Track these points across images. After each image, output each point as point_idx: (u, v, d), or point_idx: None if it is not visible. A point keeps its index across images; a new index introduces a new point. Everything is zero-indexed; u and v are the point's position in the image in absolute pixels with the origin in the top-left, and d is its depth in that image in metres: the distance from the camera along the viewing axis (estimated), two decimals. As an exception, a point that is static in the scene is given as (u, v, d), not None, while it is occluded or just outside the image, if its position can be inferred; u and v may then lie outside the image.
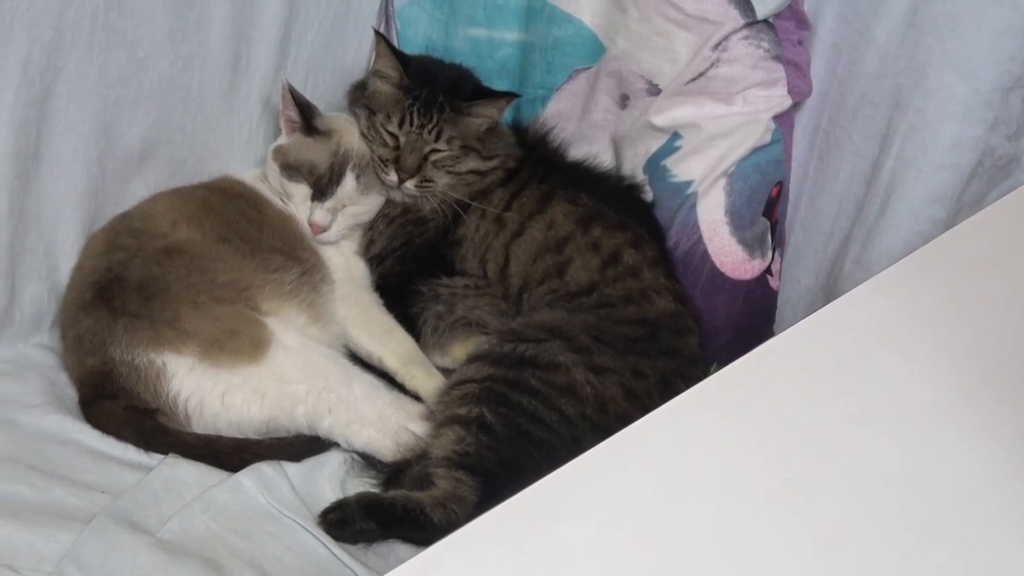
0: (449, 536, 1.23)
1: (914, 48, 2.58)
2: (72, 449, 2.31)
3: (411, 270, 2.77)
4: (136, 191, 2.71)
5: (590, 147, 3.02)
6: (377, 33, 2.86)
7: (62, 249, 2.58)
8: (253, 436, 2.42)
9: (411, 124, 2.69)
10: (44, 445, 2.30)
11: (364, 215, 2.80)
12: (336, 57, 3.06)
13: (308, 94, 2.83)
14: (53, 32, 2.36)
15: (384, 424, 2.42)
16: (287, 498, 2.25)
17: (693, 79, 2.80)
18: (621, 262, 2.61)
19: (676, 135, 2.82)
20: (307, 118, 2.74)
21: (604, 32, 2.95)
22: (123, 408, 2.36)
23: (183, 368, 2.36)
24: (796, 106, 2.84)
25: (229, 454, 2.33)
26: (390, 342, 2.68)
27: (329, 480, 2.34)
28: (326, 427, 2.41)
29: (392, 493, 2.27)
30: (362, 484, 2.37)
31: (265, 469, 2.28)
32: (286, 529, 2.19)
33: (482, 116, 2.74)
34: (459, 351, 2.68)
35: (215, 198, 2.73)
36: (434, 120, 2.69)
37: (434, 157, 2.70)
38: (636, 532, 1.27)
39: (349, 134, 2.78)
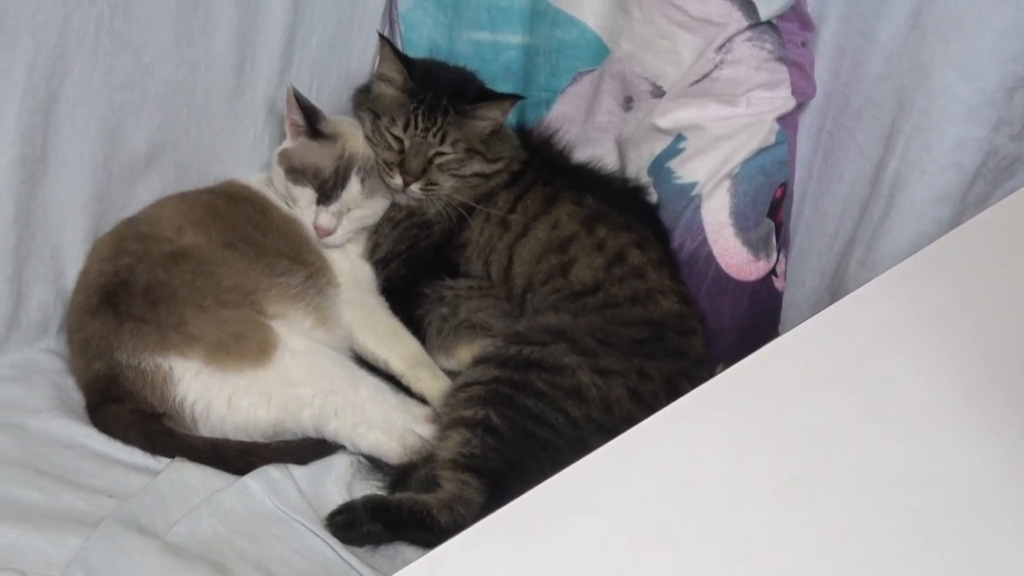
0: (455, 537, 1.23)
1: (918, 49, 2.58)
2: (79, 453, 2.31)
3: (416, 273, 2.77)
4: (142, 195, 2.71)
5: (594, 149, 3.02)
6: (381, 37, 2.87)
7: (68, 253, 2.59)
8: (260, 439, 2.42)
9: (415, 127, 2.69)
10: (51, 449, 2.30)
11: (369, 218, 2.80)
12: (340, 61, 3.07)
13: (313, 98, 2.83)
14: (58, 37, 2.36)
15: (390, 427, 2.42)
16: (294, 501, 2.24)
17: (697, 81, 2.80)
18: (627, 262, 2.61)
19: (680, 137, 2.82)
20: (312, 122, 2.74)
21: (608, 34, 2.95)
22: (130, 412, 2.36)
23: (189, 372, 2.36)
24: (800, 107, 2.84)
25: (236, 457, 2.33)
26: (396, 345, 2.68)
27: (336, 483, 2.34)
28: (332, 430, 2.41)
29: (399, 495, 2.27)
30: (369, 487, 2.36)
31: (272, 472, 2.27)
32: (293, 532, 2.19)
33: (486, 119, 2.75)
34: (464, 353, 2.68)
35: (221, 202, 2.73)
36: (438, 123, 2.69)
37: (439, 160, 2.70)
38: (642, 532, 1.27)
39: (354, 138, 2.78)
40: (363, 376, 2.52)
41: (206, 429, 2.39)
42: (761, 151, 2.75)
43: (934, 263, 1.84)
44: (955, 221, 2.58)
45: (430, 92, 2.71)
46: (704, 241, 2.76)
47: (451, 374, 2.64)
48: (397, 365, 2.65)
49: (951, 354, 1.60)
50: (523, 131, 2.93)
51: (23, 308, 2.54)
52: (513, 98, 2.81)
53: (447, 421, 2.36)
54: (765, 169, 2.77)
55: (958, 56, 2.51)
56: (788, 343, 1.66)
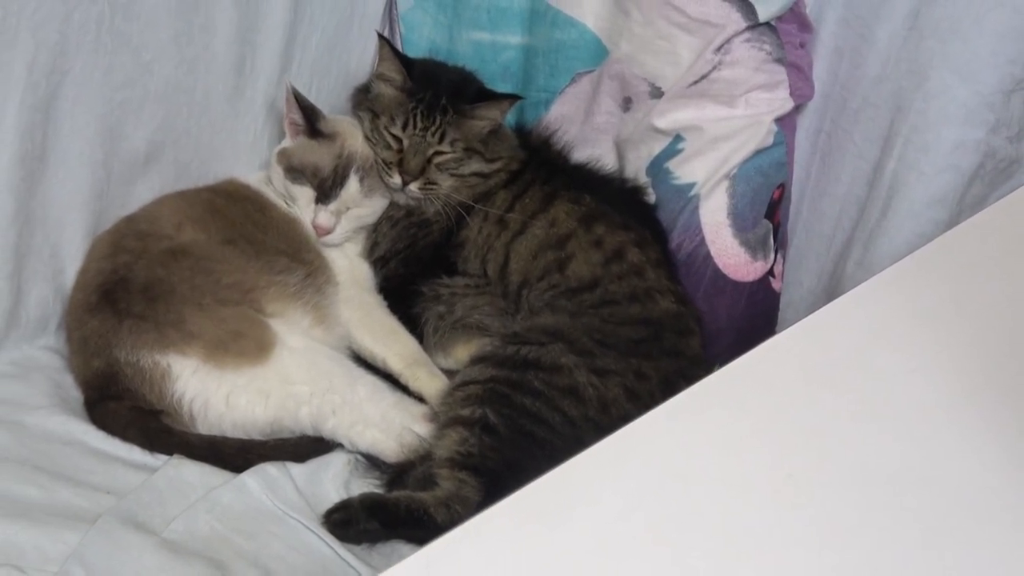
0: (451, 532, 1.23)
1: (915, 51, 2.58)
2: (77, 450, 2.31)
3: (415, 272, 2.77)
4: (141, 194, 2.72)
5: (593, 149, 3.02)
6: (381, 37, 2.87)
7: (67, 251, 2.59)
8: (257, 437, 2.42)
9: (414, 127, 2.69)
10: (50, 446, 2.30)
11: (368, 217, 2.80)
12: (340, 61, 3.07)
13: (312, 97, 2.83)
14: (59, 35, 2.36)
15: (388, 425, 2.42)
16: (291, 498, 2.25)
17: (695, 82, 2.80)
18: (625, 260, 2.61)
19: (679, 137, 2.82)
20: (311, 121, 2.75)
21: (607, 35, 2.96)
22: (128, 409, 2.36)
23: (188, 369, 2.37)
24: (798, 108, 2.85)
25: (233, 455, 2.34)
26: (394, 343, 2.68)
27: (333, 481, 2.35)
28: (330, 428, 2.41)
29: (396, 494, 2.27)
30: (366, 485, 2.37)
31: (269, 470, 2.28)
32: (290, 529, 2.19)
33: (485, 118, 2.75)
34: (461, 352, 2.68)
35: (220, 201, 2.73)
36: (437, 123, 2.69)
37: (437, 160, 2.71)
38: (638, 528, 1.27)
39: (353, 137, 2.78)
40: (361, 374, 2.52)
41: (204, 427, 2.39)
42: (759, 152, 2.75)
43: (930, 263, 1.84)
44: (952, 223, 2.58)
45: (429, 92, 2.71)
46: (702, 241, 2.76)
47: (449, 373, 2.64)
48: (395, 364, 2.66)
49: (947, 353, 1.60)
50: (522, 131, 2.93)
51: (22, 305, 2.54)
52: (512, 98, 2.81)
53: (444, 420, 2.36)
54: (763, 170, 2.77)
55: (956, 58, 2.51)
56: (784, 342, 1.65)
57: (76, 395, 2.48)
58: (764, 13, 2.73)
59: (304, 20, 2.90)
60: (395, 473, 2.37)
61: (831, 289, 2.88)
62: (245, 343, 2.40)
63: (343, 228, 2.74)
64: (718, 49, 2.76)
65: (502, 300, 2.67)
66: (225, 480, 2.25)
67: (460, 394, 2.37)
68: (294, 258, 2.66)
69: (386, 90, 2.78)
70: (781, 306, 2.90)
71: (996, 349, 1.63)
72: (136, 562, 2.02)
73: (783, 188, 2.81)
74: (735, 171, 2.75)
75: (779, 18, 2.76)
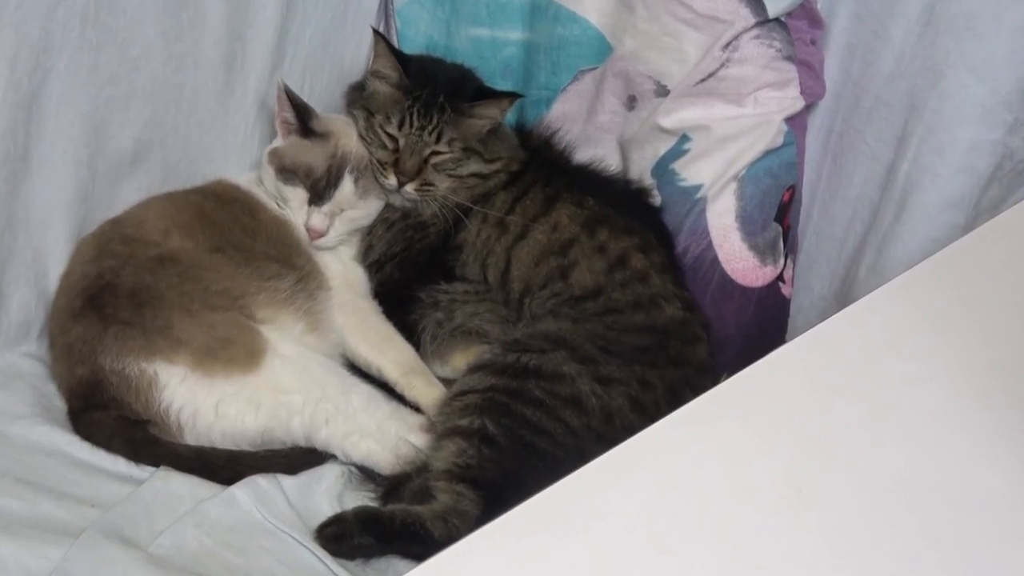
0: (449, 548, 1.23)
1: (931, 48, 2.58)
2: (61, 461, 2.31)
3: (411, 276, 2.77)
4: (127, 195, 2.71)
5: (596, 150, 3.02)
6: (376, 32, 2.86)
7: (51, 255, 2.58)
8: (248, 448, 2.42)
9: (411, 126, 2.69)
10: (32, 457, 2.30)
11: (362, 220, 2.80)
12: (334, 57, 3.07)
13: (305, 95, 2.83)
14: (42, 31, 2.36)
15: (383, 436, 2.42)
16: (283, 512, 2.25)
17: (702, 80, 2.81)
18: (629, 266, 2.61)
19: (685, 137, 2.83)
20: (304, 120, 2.75)
21: (611, 31, 2.96)
22: (114, 419, 2.36)
23: (175, 378, 2.36)
24: (809, 108, 2.85)
25: (223, 466, 2.33)
26: (389, 351, 2.68)
27: (326, 493, 2.35)
28: (323, 438, 2.41)
29: (391, 507, 2.27)
30: (360, 498, 2.37)
31: (260, 482, 2.28)
32: (282, 544, 2.19)
33: (484, 117, 2.75)
34: (459, 360, 2.68)
35: (209, 204, 2.73)
36: (434, 121, 2.69)
37: (435, 160, 2.71)
38: (643, 545, 1.27)
39: (347, 136, 2.78)
40: (355, 383, 2.52)
41: (192, 437, 2.39)
42: (768, 153, 2.76)
43: (945, 269, 1.85)
44: (968, 226, 2.59)
45: (426, 89, 2.71)
46: (709, 245, 2.76)
47: (446, 382, 2.64)
48: (390, 372, 2.65)
49: (962, 361, 1.60)
50: (522, 131, 2.93)
51: (3, 311, 2.54)
52: (512, 96, 2.81)
53: (442, 430, 2.36)
54: (773, 171, 2.77)
55: (972, 56, 2.52)
56: (795, 350, 1.66)
57: (59, 404, 2.47)
58: (774, 9, 2.73)
59: (296, 15, 2.90)
60: (390, 486, 2.37)
61: (843, 295, 2.88)
62: (235, 350, 2.40)
63: (337, 231, 2.74)
64: (726, 46, 2.76)
65: (503, 308, 2.67)
66: (214, 493, 2.25)
67: (458, 404, 2.37)
68: (285, 263, 2.66)
69: (381, 88, 2.78)
70: (791, 312, 2.90)
71: (1012, 357, 1.64)
72: (122, 577, 2.02)
73: (793, 190, 2.81)
74: (743, 172, 2.75)
75: (789, 14, 2.76)
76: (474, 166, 2.74)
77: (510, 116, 2.89)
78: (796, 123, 2.80)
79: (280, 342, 2.45)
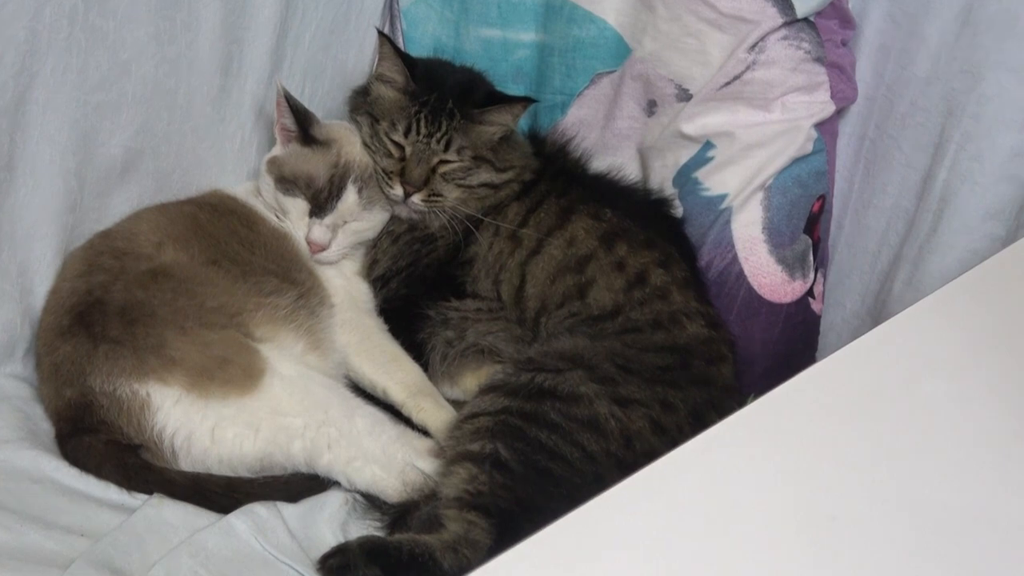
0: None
1: (969, 49, 2.58)
2: (48, 488, 2.31)
3: (418, 292, 2.77)
4: (118, 206, 2.72)
5: (614, 157, 3.03)
6: (381, 34, 2.86)
7: (37, 270, 2.58)
8: (246, 474, 2.42)
9: (418, 133, 2.70)
10: (18, 484, 2.29)
11: (367, 232, 2.81)
12: (336, 60, 3.08)
13: (306, 100, 2.84)
14: (27, 33, 2.36)
15: (389, 461, 2.42)
16: (283, 542, 2.25)
17: (727, 83, 2.81)
18: (648, 283, 2.61)
19: (708, 145, 2.83)
20: (304, 126, 2.75)
21: (630, 32, 2.96)
22: (104, 443, 2.36)
23: (169, 399, 2.36)
24: (840, 113, 2.85)
25: (219, 494, 2.33)
26: (396, 371, 2.68)
27: (329, 522, 2.34)
28: (326, 464, 2.41)
29: (398, 536, 2.27)
30: (365, 527, 2.37)
31: (259, 510, 2.28)
32: (282, 576, 2.20)
33: (496, 124, 2.75)
34: (471, 381, 2.69)
35: (204, 215, 2.73)
36: (443, 128, 2.69)
37: (443, 169, 2.71)
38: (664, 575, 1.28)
39: (350, 144, 2.79)
40: (359, 405, 2.51)
41: (187, 463, 2.39)
42: (797, 160, 2.76)
43: (986, 283, 1.85)
44: (1009, 238, 2.58)
45: (434, 94, 2.71)
46: (734, 259, 2.76)
47: (456, 404, 2.64)
48: (397, 393, 2.66)
49: (1004, 382, 1.60)
50: (536, 138, 2.94)
51: (-13, 329, 2.54)
52: (525, 101, 2.80)
53: (452, 455, 2.35)
54: (801, 180, 2.77)
55: (1013, 57, 2.52)
56: (826, 370, 1.66)
57: (47, 428, 2.47)
58: (802, 8, 2.73)
59: (296, 15, 2.91)
60: (397, 514, 2.38)
61: (877, 311, 2.88)
62: (232, 370, 2.40)
63: (339, 244, 2.75)
64: (752, 47, 2.77)
65: (518, 327, 2.68)
66: (210, 522, 2.25)
67: (469, 427, 2.36)
68: (285, 278, 2.66)
69: (386, 92, 2.79)
70: (822, 330, 2.90)
71: (1058, 377, 1.64)
72: (112, 611, 2.03)
73: (823, 200, 2.81)
74: (771, 181, 2.75)
75: (819, 13, 2.77)
76: (485, 175, 2.74)
77: (523, 122, 2.89)
78: (826, 129, 2.80)
79: (280, 362, 2.45)
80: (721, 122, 2.80)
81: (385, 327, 2.78)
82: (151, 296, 2.44)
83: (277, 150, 2.81)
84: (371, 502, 2.41)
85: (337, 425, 2.41)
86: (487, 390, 2.43)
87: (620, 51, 2.99)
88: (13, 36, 2.34)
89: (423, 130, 2.69)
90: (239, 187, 2.88)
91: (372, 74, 2.91)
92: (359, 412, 2.48)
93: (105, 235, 2.65)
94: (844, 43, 2.82)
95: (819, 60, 2.77)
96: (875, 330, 1.74)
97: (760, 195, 2.75)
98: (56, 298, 2.55)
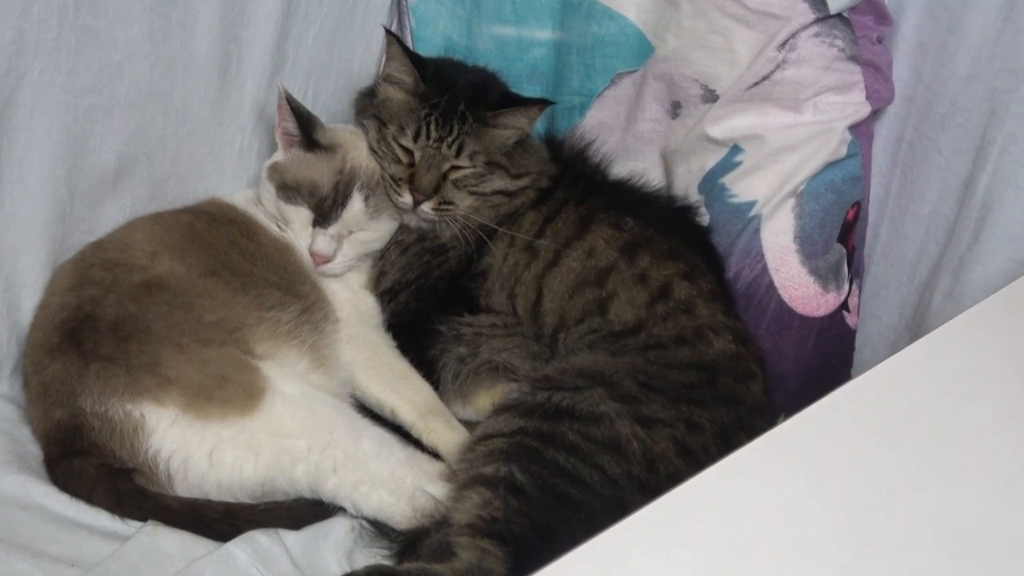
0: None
1: (1012, 46, 2.58)
2: (36, 515, 2.31)
3: (428, 306, 2.77)
4: (110, 216, 2.72)
5: (636, 163, 3.03)
6: (388, 32, 2.85)
7: (24, 283, 2.59)
8: (246, 500, 2.42)
9: (428, 137, 2.70)
10: (4, 511, 2.30)
11: (374, 243, 2.81)
12: (341, 60, 3.08)
13: (309, 103, 2.85)
14: (15, 32, 2.37)
15: (398, 485, 2.42)
16: (285, 571, 2.25)
17: (756, 83, 2.81)
18: (672, 296, 2.60)
19: (736, 148, 2.83)
20: (307, 131, 2.76)
21: (652, 30, 2.96)
22: (95, 467, 2.36)
23: (164, 421, 2.36)
24: (876, 114, 2.85)
25: (218, 520, 2.33)
26: (405, 390, 2.68)
27: (334, 551, 2.35)
28: (330, 489, 2.41)
29: (407, 565, 2.27)
30: (372, 555, 2.37)
31: (260, 538, 2.28)
32: (284, 607, 2.20)
33: (510, 127, 2.75)
34: (484, 400, 2.69)
35: (201, 224, 2.73)
36: (454, 132, 2.70)
37: (454, 175, 2.71)
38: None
39: (356, 149, 2.80)
40: (366, 426, 2.51)
41: (184, 488, 2.39)
42: (830, 165, 2.76)
43: (1032, 295, 1.85)
44: (1057, 247, 2.59)
45: (444, 96, 2.72)
46: (764, 270, 2.76)
47: (469, 424, 2.64)
48: (406, 414, 2.66)
49: (1052, 400, 1.60)
50: (553, 142, 2.94)
51: (-29, 347, 2.55)
52: (541, 103, 2.79)
53: (464, 479, 2.35)
54: (835, 186, 2.77)
55: (1060, 54, 2.52)
56: (861, 387, 1.66)
57: (35, 451, 2.48)
58: (836, 3, 2.73)
59: (299, 13, 2.92)
60: (406, 541, 2.37)
61: (915, 325, 2.88)
62: (231, 389, 2.40)
63: (345, 255, 2.76)
64: (782, 45, 2.77)
65: (535, 343, 2.67)
66: (208, 550, 2.25)
67: (482, 449, 2.36)
68: (287, 291, 2.66)
69: (394, 94, 2.79)
70: (857, 345, 2.90)
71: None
72: (105, 646, 2.03)
73: (858, 207, 2.81)
74: (802, 187, 2.75)
75: (853, 9, 2.77)
76: (499, 182, 2.75)
77: (539, 126, 2.90)
78: (861, 131, 2.80)
79: (282, 380, 2.45)
80: (749, 125, 2.80)
81: (393, 343, 2.78)
82: (145, 310, 2.44)
83: (278, 156, 2.81)
84: (379, 529, 2.40)
85: (343, 447, 2.41)
86: (501, 410, 2.42)
87: (642, 49, 3.00)
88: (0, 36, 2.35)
89: (433, 134, 2.70)
90: (238, 195, 2.89)
91: (379, 75, 2.91)
92: (366, 433, 2.48)
93: (96, 246, 2.65)
94: (880, 40, 2.82)
95: (853, 58, 2.77)
96: (913, 345, 1.73)
97: (791, 202, 2.75)
98: (45, 314, 2.55)
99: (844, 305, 2.79)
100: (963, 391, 1.62)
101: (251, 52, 2.85)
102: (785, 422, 1.57)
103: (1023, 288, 1.85)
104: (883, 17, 2.80)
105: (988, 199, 2.64)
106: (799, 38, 2.76)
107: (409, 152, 2.72)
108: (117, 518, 2.32)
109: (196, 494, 2.39)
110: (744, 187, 2.81)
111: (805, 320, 2.76)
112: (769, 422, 2.54)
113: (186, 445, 2.36)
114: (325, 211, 2.71)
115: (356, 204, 2.72)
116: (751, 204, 2.79)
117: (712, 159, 2.87)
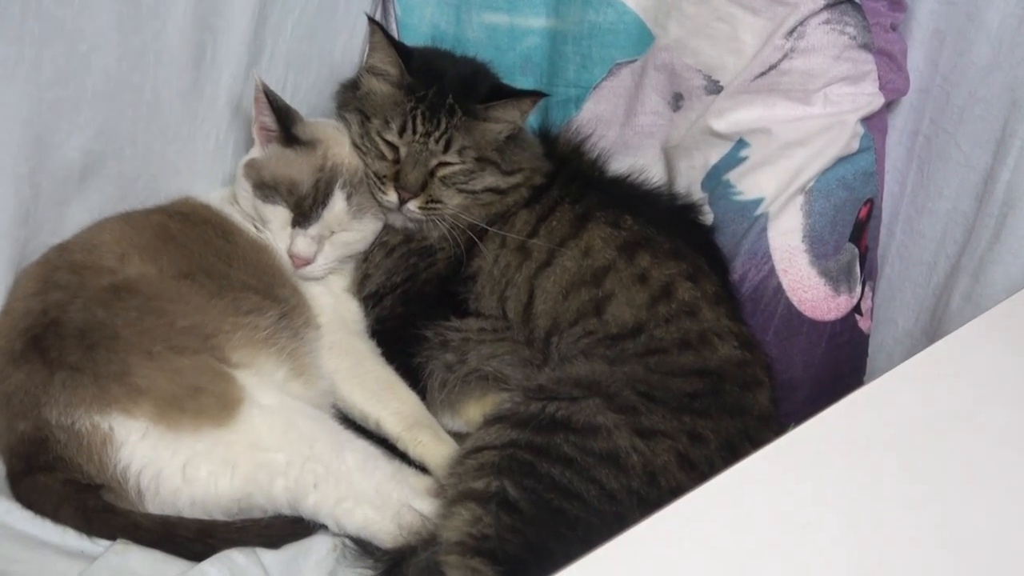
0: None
1: (1034, 34, 2.59)
2: (-1, 534, 2.31)
3: (415, 311, 2.77)
4: (77, 216, 2.71)
5: (635, 158, 3.03)
6: (372, 21, 2.84)
7: (-15, 288, 2.59)
8: (221, 517, 2.41)
9: (414, 132, 2.70)
10: (-36, 529, 2.30)
11: (357, 244, 2.81)
12: (322, 50, 3.08)
13: (288, 95, 2.85)
14: (-26, 21, 2.37)
15: (383, 501, 2.42)
16: (263, 593, 2.25)
17: (762, 74, 2.81)
18: (674, 298, 2.60)
19: (741, 143, 2.83)
20: (286, 125, 2.76)
21: (652, 17, 2.96)
22: (61, 483, 2.35)
23: (134, 433, 2.34)
24: (890, 106, 2.85)
25: (191, 539, 2.33)
26: (390, 400, 2.68)
27: (315, 570, 2.35)
28: (311, 505, 2.40)
29: (393, 586, 2.27)
30: (356, 575, 2.36)
31: (236, 557, 2.27)
32: (262, 631, 2.20)
33: (501, 121, 2.76)
34: (474, 411, 2.69)
35: (174, 225, 2.73)
36: (442, 126, 2.70)
37: (442, 172, 2.72)
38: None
39: (338, 145, 2.80)
40: (349, 439, 2.51)
41: (155, 504, 2.38)
42: (842, 160, 2.76)
43: (1055, 296, 1.85)
44: (1081, 246, 2.59)
45: (432, 88, 2.72)
46: (771, 271, 2.76)
47: (458, 436, 2.64)
48: (392, 425, 2.66)
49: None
50: (547, 137, 2.94)
51: (-70, 355, 2.54)
52: (534, 96, 2.80)
53: (453, 494, 2.35)
54: (847, 182, 2.77)
55: (1084, 42, 2.52)
56: (875, 394, 1.66)
57: (-3, 466, 2.48)
58: (846, -12, 2.74)
59: (277, 1, 2.91)
60: (392, 561, 2.37)
61: (932, 329, 2.88)
62: (205, 400, 2.39)
63: (326, 257, 2.75)
64: (790, 33, 2.77)
65: (526, 349, 2.67)
66: (181, 571, 2.25)
67: (472, 462, 2.36)
68: (265, 295, 2.66)
69: (378, 86, 2.79)
70: (871, 350, 2.90)
71: None
72: (72, 672, 2.03)
73: (871, 204, 2.81)
74: (812, 184, 2.75)
75: (865, -6, 2.77)
76: (490, 179, 2.75)
77: (532, 119, 2.90)
78: (874, 124, 2.80)
79: (259, 390, 2.44)
80: (755, 117, 2.80)
81: (378, 351, 2.78)
82: (114, 316, 2.43)
83: (255, 152, 2.81)
84: (362, 547, 2.40)
85: (324, 461, 2.40)
86: (493, 421, 2.42)
87: (642, 38, 3.00)
88: (-43, 26, 2.35)
89: (420, 128, 2.70)
90: (213, 194, 2.88)
91: (362, 66, 2.91)
92: (349, 446, 2.47)
93: (62, 248, 2.64)
94: (894, 27, 2.82)
95: (866, 47, 2.77)
96: (930, 349, 1.73)
97: (800, 199, 2.75)
98: (7, 320, 2.54)
99: (856, 308, 2.80)
100: (982, 398, 1.62)
101: (226, 42, 2.84)
102: (793, 430, 1.57)
103: (1045, 289, 1.85)
104: (897, 3, 2.81)
105: (1009, 195, 2.64)
106: (808, 25, 2.76)
107: (394, 148, 2.72)
108: (84, 536, 2.31)
109: (168, 511, 2.38)
110: (750, 183, 2.81)
111: (815, 324, 2.76)
112: (777, 432, 2.52)
113: (157, 459, 2.35)
114: (305, 210, 2.71)
115: (338, 203, 2.72)
116: (757, 202, 2.79)
117: (716, 154, 2.87)
